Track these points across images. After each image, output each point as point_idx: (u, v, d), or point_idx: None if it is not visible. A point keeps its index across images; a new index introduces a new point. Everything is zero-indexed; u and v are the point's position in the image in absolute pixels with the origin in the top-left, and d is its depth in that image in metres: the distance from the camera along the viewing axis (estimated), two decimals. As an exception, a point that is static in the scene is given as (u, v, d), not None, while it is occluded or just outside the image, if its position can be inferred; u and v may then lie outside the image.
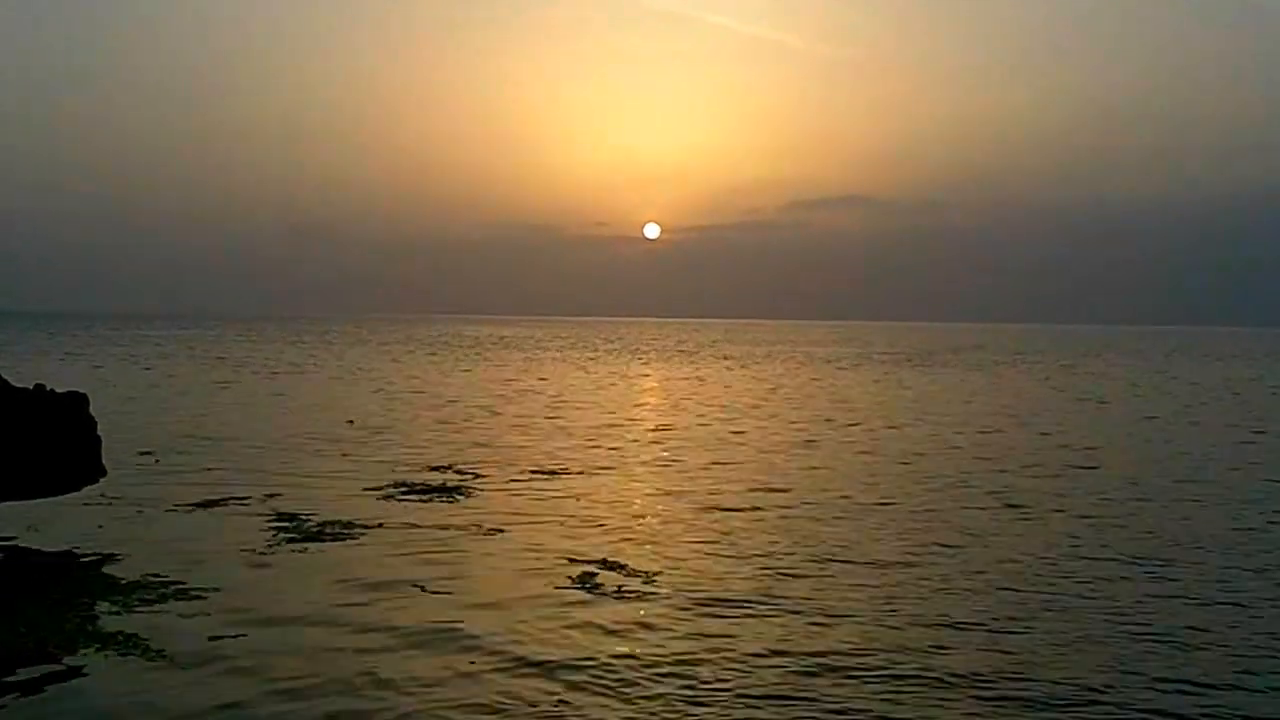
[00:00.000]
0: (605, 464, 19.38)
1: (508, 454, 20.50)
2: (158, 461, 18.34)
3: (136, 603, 9.65)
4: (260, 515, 13.83)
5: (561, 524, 13.72)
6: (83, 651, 8.32)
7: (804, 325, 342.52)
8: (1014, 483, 17.65)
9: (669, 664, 8.34)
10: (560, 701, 7.55)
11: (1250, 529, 14.06)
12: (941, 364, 66.12)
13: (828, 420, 28.52)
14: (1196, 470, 19.61)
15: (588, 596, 10.27)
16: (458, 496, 15.64)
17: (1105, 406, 34.88)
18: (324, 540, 12.45)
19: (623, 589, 10.52)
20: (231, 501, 14.77)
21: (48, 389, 11.80)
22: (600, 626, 9.27)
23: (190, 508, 14.30)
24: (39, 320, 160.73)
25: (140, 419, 25.28)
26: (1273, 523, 14.54)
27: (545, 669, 8.17)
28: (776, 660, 8.46)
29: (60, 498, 12.34)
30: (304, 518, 13.61)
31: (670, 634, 9.11)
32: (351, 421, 25.86)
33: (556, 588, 10.56)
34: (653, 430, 25.55)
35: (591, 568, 11.33)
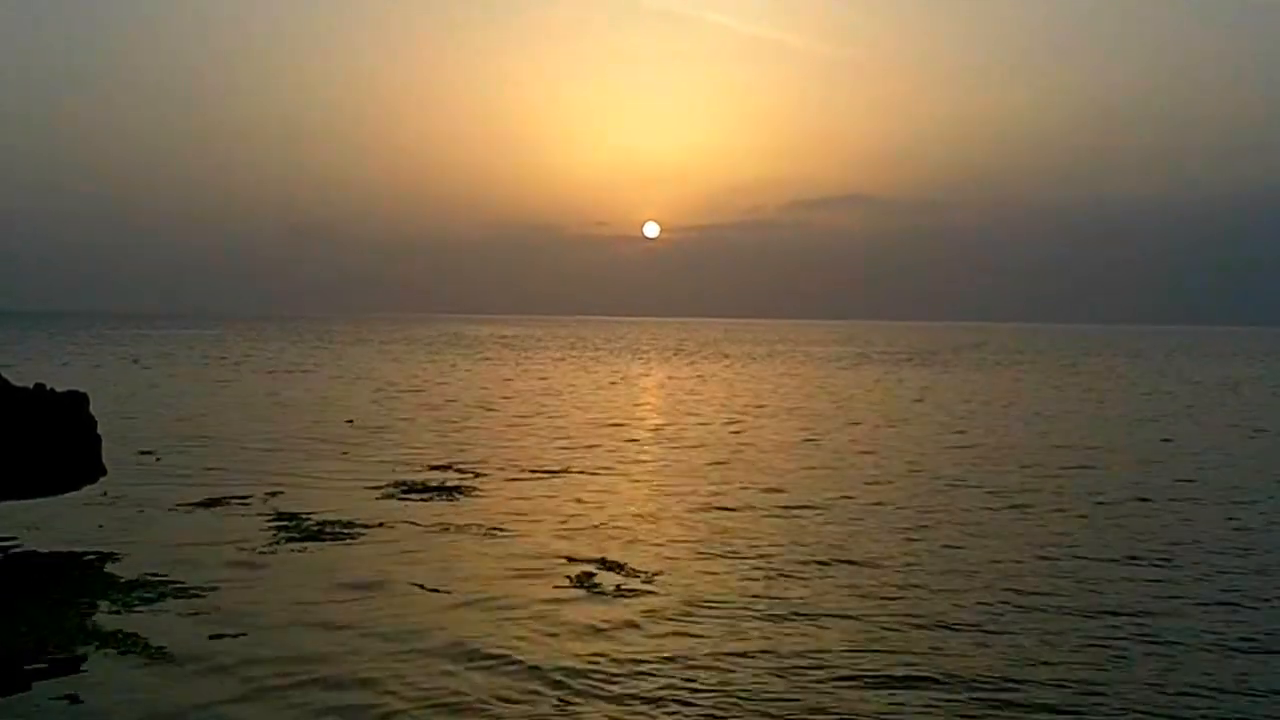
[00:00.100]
0: (605, 464, 19.39)
1: (507, 454, 20.51)
2: (158, 460, 18.35)
3: (136, 602, 9.66)
4: (260, 515, 13.84)
5: (561, 524, 13.72)
6: (83, 650, 8.33)
7: (804, 324, 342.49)
8: (1014, 483, 17.65)
9: (668, 665, 8.33)
10: (558, 702, 7.55)
11: (1250, 529, 14.06)
12: (941, 363, 66.11)
13: (828, 420, 28.52)
14: (1196, 470, 19.61)
15: (587, 597, 10.27)
16: (457, 496, 15.65)
17: (1105, 406, 34.87)
18: (324, 540, 12.45)
19: (622, 589, 10.52)
20: (231, 501, 14.77)
21: (48, 388, 11.81)
22: (599, 627, 9.27)
23: (190, 507, 14.30)
24: (39, 320, 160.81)
25: (140, 418, 25.29)
26: (1273, 523, 14.54)
27: (543, 669, 8.17)
28: (775, 661, 8.45)
29: (60, 497, 12.35)
30: (304, 517, 13.62)
31: (670, 635, 9.10)
32: (351, 421, 25.87)
33: (555, 587, 10.56)
34: (653, 430, 25.55)
35: (590, 568, 11.33)
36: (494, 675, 8.03)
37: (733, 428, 26.13)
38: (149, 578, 10.48)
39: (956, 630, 9.32)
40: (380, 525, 13.34)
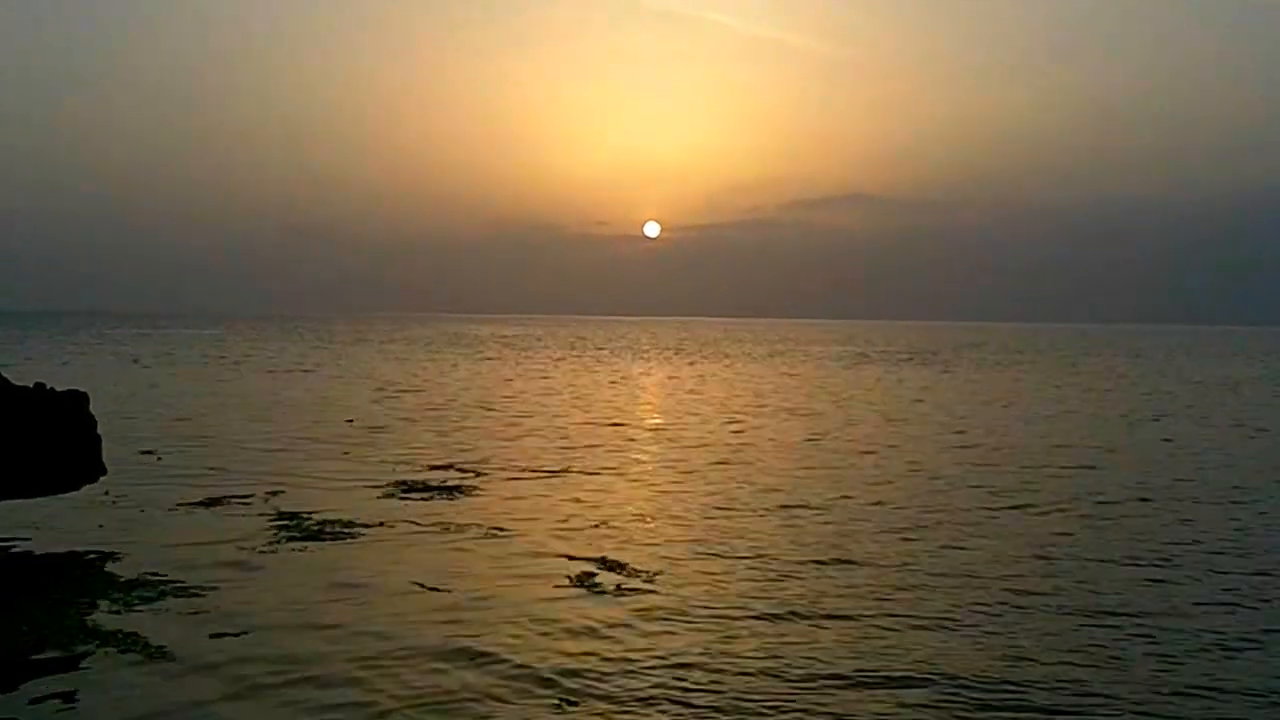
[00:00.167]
0: (606, 463, 19.39)
1: (507, 454, 20.51)
2: (159, 460, 18.36)
3: (136, 602, 9.67)
4: (260, 514, 13.84)
5: (560, 524, 13.72)
6: (82, 650, 8.34)
7: (804, 324, 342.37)
8: (1014, 483, 17.65)
9: (666, 665, 8.33)
10: (555, 701, 7.56)
11: (1250, 529, 14.06)
12: (942, 363, 66.09)
13: (828, 420, 28.51)
14: (1196, 470, 19.61)
15: (586, 596, 10.27)
16: (457, 496, 15.65)
17: (1105, 406, 34.86)
18: (324, 539, 12.46)
19: (621, 588, 10.52)
20: (232, 501, 14.78)
21: (48, 388, 11.81)
22: (599, 626, 9.27)
23: (190, 507, 14.31)
24: (39, 320, 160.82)
25: (140, 418, 25.29)
26: (1273, 523, 14.54)
27: (541, 669, 8.17)
28: (775, 662, 8.45)
29: (60, 497, 12.36)
30: (304, 517, 13.62)
31: (668, 634, 9.10)
32: (352, 421, 25.88)
33: (555, 587, 10.56)
34: (653, 430, 25.56)
35: (590, 567, 11.33)
36: (492, 675, 8.03)
37: (733, 427, 26.13)
38: (149, 577, 10.49)
39: (956, 630, 9.32)
40: (380, 525, 13.34)
